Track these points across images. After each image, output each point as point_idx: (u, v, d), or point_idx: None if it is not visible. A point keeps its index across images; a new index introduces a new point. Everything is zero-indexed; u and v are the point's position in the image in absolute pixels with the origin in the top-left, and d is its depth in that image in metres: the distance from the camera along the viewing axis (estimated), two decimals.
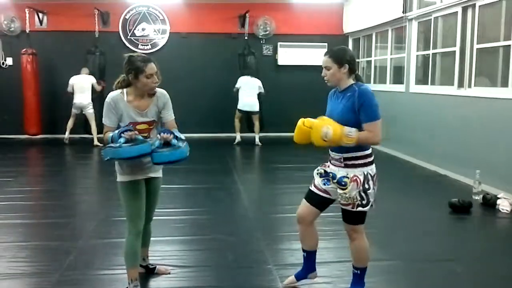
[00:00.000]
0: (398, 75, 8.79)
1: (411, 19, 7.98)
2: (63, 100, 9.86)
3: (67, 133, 9.57)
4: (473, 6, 6.33)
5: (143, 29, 10.60)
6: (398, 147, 8.33)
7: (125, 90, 2.90)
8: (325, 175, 2.91)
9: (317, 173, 2.98)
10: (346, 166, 2.79)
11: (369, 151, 2.83)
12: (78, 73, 9.35)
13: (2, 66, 10.35)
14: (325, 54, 2.85)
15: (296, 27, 10.74)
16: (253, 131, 9.74)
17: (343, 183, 2.77)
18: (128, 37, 10.54)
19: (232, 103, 9.52)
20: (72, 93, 9.30)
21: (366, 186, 2.78)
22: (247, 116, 9.63)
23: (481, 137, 6.04)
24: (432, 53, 7.49)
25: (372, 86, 9.79)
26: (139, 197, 2.96)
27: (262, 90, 9.33)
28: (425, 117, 7.46)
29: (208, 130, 10.49)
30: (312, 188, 3.00)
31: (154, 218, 3.24)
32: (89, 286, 3.26)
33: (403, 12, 8.01)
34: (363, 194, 2.78)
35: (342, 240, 4.14)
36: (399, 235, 4.39)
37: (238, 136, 9.72)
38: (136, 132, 2.77)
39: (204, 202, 5.43)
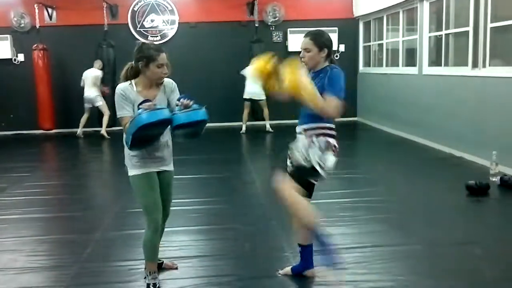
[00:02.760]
0: (411, 58, 8.68)
1: (423, 0, 7.85)
2: (76, 94, 9.90)
3: (80, 128, 9.64)
4: None
5: (152, 21, 10.58)
6: (412, 130, 8.24)
7: (133, 81, 2.86)
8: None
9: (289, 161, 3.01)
10: (305, 131, 2.84)
11: (330, 124, 2.85)
12: (89, 66, 9.39)
13: (14, 62, 10.42)
14: (306, 36, 2.90)
15: (305, 12, 10.63)
16: (257, 120, 9.70)
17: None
18: (138, 29, 10.53)
19: (242, 92, 9.45)
20: (83, 87, 9.37)
21: (316, 147, 2.77)
22: (253, 104, 9.54)
23: (497, 117, 5.95)
24: (445, 34, 7.37)
25: (384, 69, 9.70)
26: (154, 189, 2.92)
27: None
28: (439, 99, 7.37)
29: (219, 119, 10.40)
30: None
31: (170, 208, 3.22)
32: (107, 277, 3.28)
33: None
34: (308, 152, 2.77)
35: (360, 226, 4.15)
36: (417, 219, 4.35)
37: (244, 126, 9.69)
38: (155, 102, 2.75)
39: (218, 191, 5.43)
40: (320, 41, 2.86)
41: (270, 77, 2.99)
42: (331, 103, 2.73)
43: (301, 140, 2.84)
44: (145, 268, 3.14)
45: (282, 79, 2.77)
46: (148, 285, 3.00)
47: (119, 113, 2.84)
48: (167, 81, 2.96)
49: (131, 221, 4.36)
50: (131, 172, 2.91)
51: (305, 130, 2.85)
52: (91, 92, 9.29)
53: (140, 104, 2.69)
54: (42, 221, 4.62)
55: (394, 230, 4.02)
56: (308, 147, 2.78)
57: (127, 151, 2.90)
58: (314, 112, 2.76)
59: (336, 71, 2.81)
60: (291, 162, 2.88)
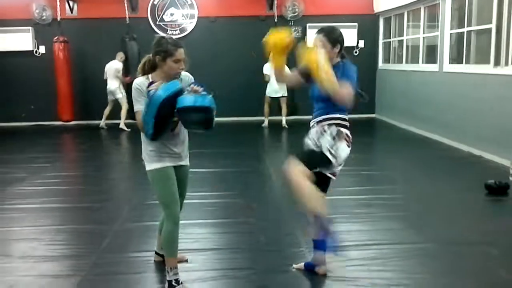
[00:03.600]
0: (431, 55, 8.57)
1: None
2: (95, 87, 10.04)
3: (103, 119, 9.75)
4: None
5: (171, 14, 10.62)
6: (431, 128, 8.16)
7: (149, 75, 2.85)
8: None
9: None
10: (318, 124, 2.92)
11: (344, 116, 2.91)
12: (109, 59, 9.48)
13: (35, 54, 10.56)
14: (319, 32, 2.97)
15: (325, 7, 10.56)
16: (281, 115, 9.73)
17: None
18: (157, 23, 10.58)
19: (260, 87, 9.47)
20: (106, 79, 9.46)
21: (327, 135, 2.84)
22: (277, 101, 9.57)
23: None
24: (467, 31, 7.26)
25: (404, 66, 9.60)
26: (172, 183, 2.92)
27: None
28: (460, 97, 7.27)
29: (237, 113, 10.47)
30: None
31: (187, 201, 3.25)
32: (125, 268, 3.33)
33: None
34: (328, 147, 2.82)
35: (376, 223, 4.13)
36: (434, 217, 4.32)
37: (266, 121, 9.73)
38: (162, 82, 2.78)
39: (235, 185, 5.44)
40: (333, 37, 2.92)
41: (283, 52, 2.96)
42: (346, 89, 2.78)
43: (314, 130, 2.92)
44: (154, 261, 3.18)
45: (302, 57, 2.81)
46: (170, 281, 2.95)
47: (136, 107, 2.84)
48: (184, 74, 2.95)
49: (149, 212, 4.40)
50: (150, 166, 2.92)
51: (318, 122, 2.92)
52: (112, 84, 9.39)
53: (148, 89, 2.73)
54: (61, 211, 4.69)
55: (410, 228, 4.00)
56: (320, 135, 2.86)
57: (145, 146, 2.91)
58: (327, 105, 2.86)
59: (349, 64, 2.91)
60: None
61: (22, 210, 4.64)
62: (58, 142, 9.27)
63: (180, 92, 2.71)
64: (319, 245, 3.06)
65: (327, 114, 2.90)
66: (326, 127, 2.87)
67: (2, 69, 10.46)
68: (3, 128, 10.43)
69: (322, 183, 2.95)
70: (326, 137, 2.85)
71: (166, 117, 2.75)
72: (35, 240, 3.82)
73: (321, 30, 2.96)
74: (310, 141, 2.89)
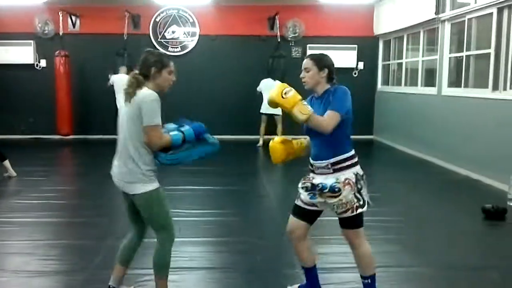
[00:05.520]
0: (430, 78, 8.63)
1: (444, 21, 7.82)
2: (94, 102, 10.06)
3: None
4: (509, 6, 6.16)
5: (173, 32, 10.69)
6: (429, 151, 8.17)
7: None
8: (312, 189, 2.83)
9: (303, 187, 2.90)
10: (335, 171, 2.76)
11: (353, 152, 2.82)
12: (114, 73, 9.43)
13: (36, 67, 10.60)
14: (307, 57, 2.93)
15: (325, 29, 10.64)
16: (273, 133, 9.70)
17: (336, 190, 2.72)
18: (158, 40, 10.65)
19: (259, 106, 9.49)
20: (113, 91, 9.22)
21: (359, 186, 2.77)
22: (271, 119, 9.57)
23: None
24: (466, 55, 7.32)
25: (403, 89, 9.65)
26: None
27: None
28: (458, 120, 7.30)
29: (236, 132, 10.48)
30: (299, 203, 2.94)
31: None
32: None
33: (435, 13, 7.86)
34: (358, 195, 2.75)
35: (372, 246, 4.08)
36: (431, 241, 4.29)
37: (260, 140, 9.69)
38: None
39: (232, 204, 5.42)
40: (319, 61, 2.86)
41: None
42: (329, 120, 2.67)
43: (332, 179, 2.75)
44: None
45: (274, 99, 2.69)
46: None
47: (157, 120, 2.65)
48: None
49: None
50: (148, 186, 2.75)
51: (333, 164, 2.77)
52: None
53: (200, 133, 2.82)
54: (55, 225, 4.66)
55: (407, 252, 3.97)
56: (355, 191, 2.76)
57: (142, 166, 2.71)
58: (325, 142, 2.75)
59: (340, 88, 2.79)
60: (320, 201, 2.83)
61: (16, 224, 4.60)
62: (55, 156, 9.25)
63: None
64: (311, 276, 3.07)
65: (333, 156, 2.76)
66: (352, 178, 2.75)
67: (3, 81, 10.47)
68: (1, 141, 10.39)
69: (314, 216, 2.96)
70: (364, 190, 2.81)
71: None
72: (29, 255, 3.79)
73: (309, 55, 2.96)
74: (350, 195, 2.72)
